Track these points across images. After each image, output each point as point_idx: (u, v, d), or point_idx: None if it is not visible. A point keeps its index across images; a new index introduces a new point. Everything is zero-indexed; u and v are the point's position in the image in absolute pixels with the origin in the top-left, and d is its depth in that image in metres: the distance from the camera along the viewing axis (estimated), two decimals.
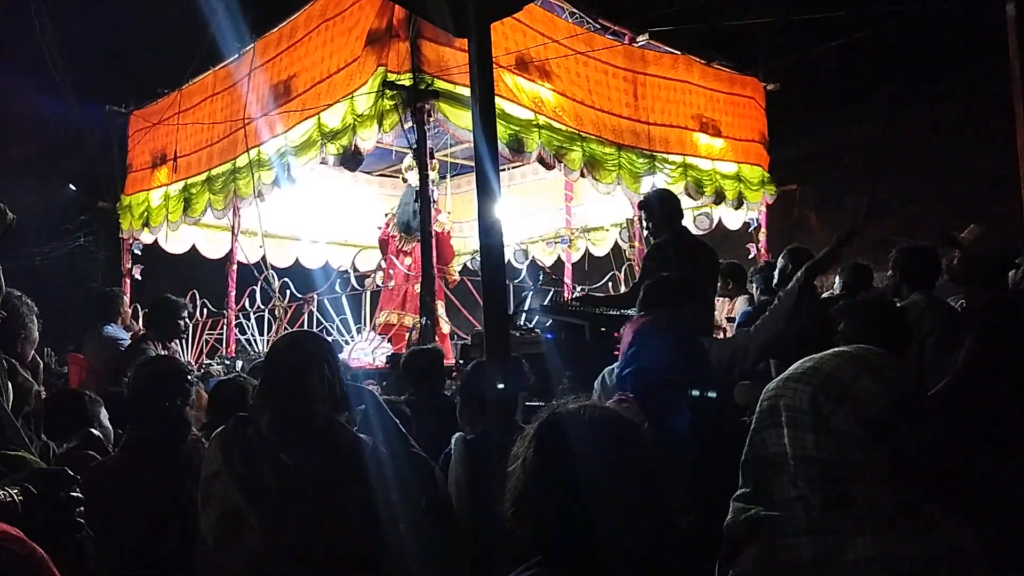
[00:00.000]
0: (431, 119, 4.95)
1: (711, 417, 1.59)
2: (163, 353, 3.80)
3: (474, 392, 2.37)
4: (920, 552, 0.96)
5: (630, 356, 1.91)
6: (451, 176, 7.09)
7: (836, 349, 1.13)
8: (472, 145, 1.98)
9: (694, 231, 6.04)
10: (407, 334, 5.89)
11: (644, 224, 3.81)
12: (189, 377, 2.27)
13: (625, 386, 1.88)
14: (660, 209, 3.64)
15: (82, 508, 1.18)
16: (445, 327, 6.22)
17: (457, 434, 2.36)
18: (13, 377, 2.12)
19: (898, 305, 2.69)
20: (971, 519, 1.04)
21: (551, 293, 6.70)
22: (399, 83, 4.86)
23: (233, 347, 6.65)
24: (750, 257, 7.23)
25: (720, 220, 7.46)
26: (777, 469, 1.06)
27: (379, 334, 6.10)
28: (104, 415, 2.52)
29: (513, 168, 7.52)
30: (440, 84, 4.93)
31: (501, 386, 1.69)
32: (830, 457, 1.01)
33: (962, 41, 8.07)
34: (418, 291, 5.81)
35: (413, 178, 5.91)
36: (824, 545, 0.99)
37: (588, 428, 1.09)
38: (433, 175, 6.30)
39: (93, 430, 2.39)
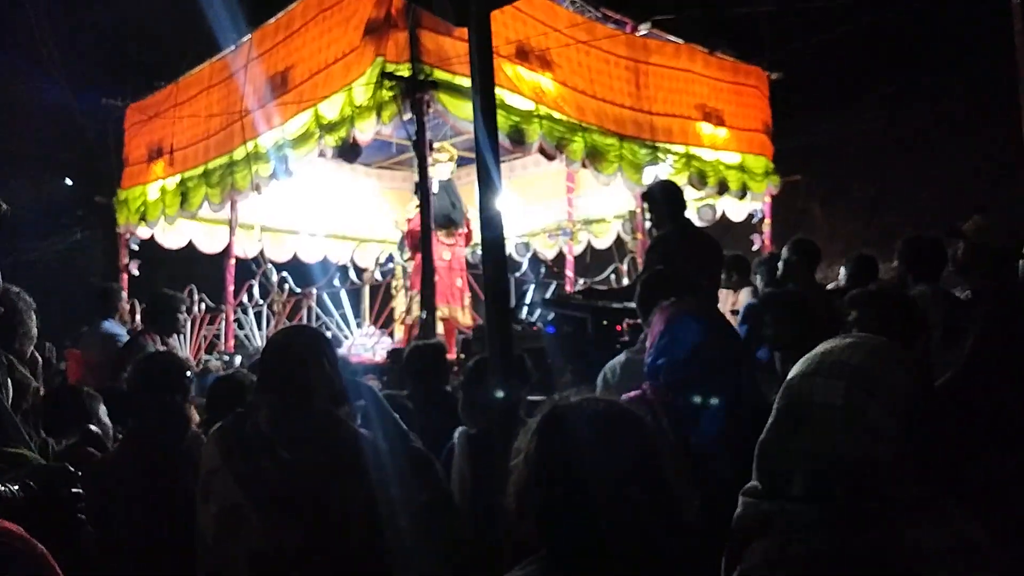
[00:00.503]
0: (430, 110, 4.90)
1: (746, 416, 1.53)
2: (161, 348, 3.78)
3: (476, 387, 2.35)
4: (933, 544, 0.96)
5: (662, 347, 1.82)
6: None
7: (849, 340, 1.10)
8: (472, 136, 1.94)
9: (697, 223, 5.99)
10: (417, 328, 5.82)
11: (647, 216, 3.78)
12: (188, 372, 2.25)
13: (655, 377, 1.81)
14: (663, 201, 3.61)
15: (83, 504, 1.17)
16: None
17: (460, 429, 2.35)
18: (11, 373, 2.11)
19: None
20: (975, 512, 1.03)
21: (553, 286, 6.69)
22: (398, 73, 4.80)
23: (232, 342, 6.63)
24: (754, 248, 7.18)
25: (724, 212, 7.42)
26: (793, 464, 1.03)
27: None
28: (103, 411, 2.50)
29: (513, 159, 7.46)
30: (439, 74, 4.87)
31: (500, 394, 1.66)
32: (856, 453, 0.99)
33: (967, 32, 8.00)
34: (459, 284, 5.79)
35: (441, 171, 5.81)
36: (836, 538, 0.97)
37: (590, 421, 1.08)
38: (452, 166, 6.26)
39: (92, 426, 2.38)
